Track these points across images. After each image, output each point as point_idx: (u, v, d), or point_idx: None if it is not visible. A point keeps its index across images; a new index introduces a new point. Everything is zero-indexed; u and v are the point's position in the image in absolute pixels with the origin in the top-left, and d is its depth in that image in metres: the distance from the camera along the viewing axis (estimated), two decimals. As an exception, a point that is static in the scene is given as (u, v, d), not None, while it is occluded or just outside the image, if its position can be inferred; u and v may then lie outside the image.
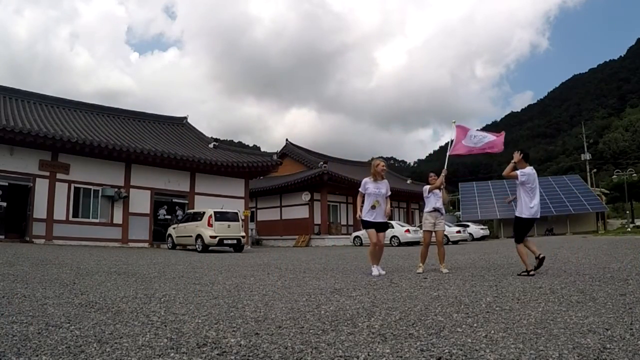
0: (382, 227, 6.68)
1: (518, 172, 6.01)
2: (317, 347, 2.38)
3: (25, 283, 5.05)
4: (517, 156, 6.10)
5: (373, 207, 6.50)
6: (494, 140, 7.16)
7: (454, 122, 7.57)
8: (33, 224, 15.63)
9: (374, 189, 6.56)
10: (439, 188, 6.92)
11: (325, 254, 13.28)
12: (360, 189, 6.69)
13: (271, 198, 28.90)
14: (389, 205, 6.69)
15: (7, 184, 15.36)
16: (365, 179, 6.71)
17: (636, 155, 64.51)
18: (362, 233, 22.77)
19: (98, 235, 16.79)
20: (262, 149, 47.88)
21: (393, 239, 21.61)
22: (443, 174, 6.98)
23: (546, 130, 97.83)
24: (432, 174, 7.15)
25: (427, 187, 7.00)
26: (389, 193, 6.73)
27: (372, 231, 6.53)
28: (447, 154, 7.38)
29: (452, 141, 7.45)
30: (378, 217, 6.54)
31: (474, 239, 26.75)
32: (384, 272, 6.48)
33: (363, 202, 6.73)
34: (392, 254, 12.19)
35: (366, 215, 6.56)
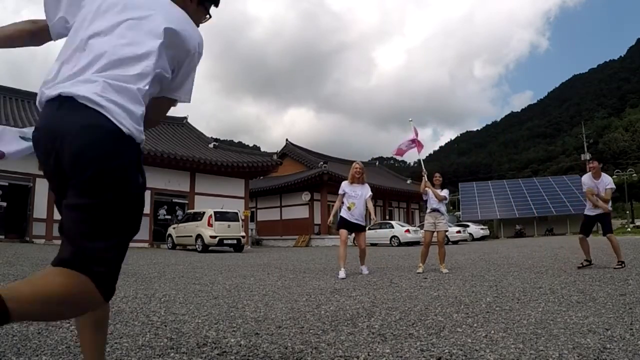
0: (357, 227, 6.77)
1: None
2: (317, 347, 2.38)
3: (25, 283, 5.05)
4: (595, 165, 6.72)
5: (349, 208, 6.65)
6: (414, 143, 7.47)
7: (411, 120, 7.67)
8: (33, 224, 15.64)
9: (350, 191, 6.71)
10: (427, 188, 6.96)
11: (325, 254, 13.28)
12: (339, 191, 6.85)
13: (271, 198, 28.89)
14: (370, 205, 6.79)
15: (7, 184, 15.36)
16: (344, 182, 6.93)
17: (636, 155, 64.54)
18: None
19: (98, 235, 16.79)
20: (262, 149, 47.94)
21: (393, 239, 21.62)
22: (423, 178, 7.04)
23: (546, 130, 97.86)
24: (436, 174, 7.15)
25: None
26: (369, 194, 6.81)
27: (343, 232, 6.70)
28: (419, 157, 7.65)
29: (416, 142, 7.53)
30: (352, 217, 6.66)
31: (474, 239, 26.75)
32: (367, 272, 6.54)
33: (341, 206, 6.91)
34: (392, 254, 12.19)
35: (342, 213, 6.76)
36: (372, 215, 6.80)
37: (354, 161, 7.20)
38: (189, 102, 1.55)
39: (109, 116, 1.16)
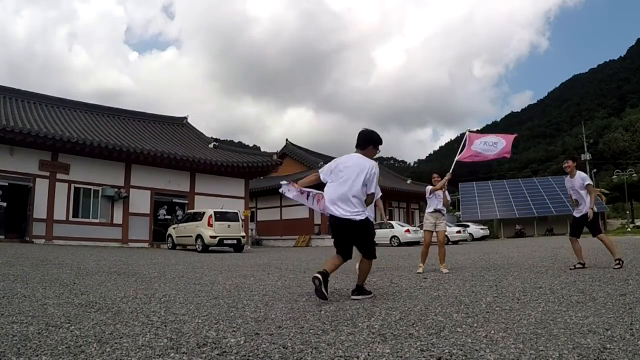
0: None
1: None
2: (317, 347, 2.38)
3: (25, 283, 5.05)
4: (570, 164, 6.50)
5: None
6: (505, 147, 7.06)
7: (468, 129, 7.65)
8: (33, 224, 15.62)
9: None
10: (441, 189, 6.88)
11: (325, 254, 13.26)
12: None
13: (271, 198, 28.86)
14: (381, 206, 7.15)
15: (7, 184, 15.35)
16: None
17: (636, 155, 64.53)
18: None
19: (98, 235, 16.78)
20: (262, 149, 47.81)
21: (393, 239, 21.62)
22: (446, 177, 6.85)
23: (546, 130, 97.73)
24: (435, 175, 7.10)
25: (429, 187, 6.98)
26: (380, 194, 6.75)
27: None
28: (455, 158, 7.29)
29: (463, 146, 7.41)
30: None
31: (474, 239, 26.75)
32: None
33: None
34: (392, 254, 12.19)
35: None
36: (383, 215, 7.24)
37: None
38: (380, 193, 5.51)
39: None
